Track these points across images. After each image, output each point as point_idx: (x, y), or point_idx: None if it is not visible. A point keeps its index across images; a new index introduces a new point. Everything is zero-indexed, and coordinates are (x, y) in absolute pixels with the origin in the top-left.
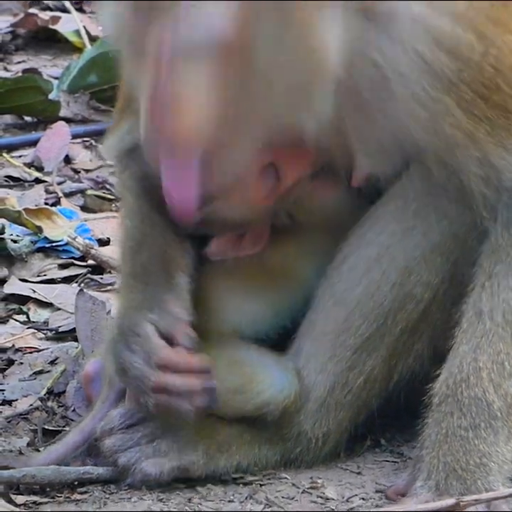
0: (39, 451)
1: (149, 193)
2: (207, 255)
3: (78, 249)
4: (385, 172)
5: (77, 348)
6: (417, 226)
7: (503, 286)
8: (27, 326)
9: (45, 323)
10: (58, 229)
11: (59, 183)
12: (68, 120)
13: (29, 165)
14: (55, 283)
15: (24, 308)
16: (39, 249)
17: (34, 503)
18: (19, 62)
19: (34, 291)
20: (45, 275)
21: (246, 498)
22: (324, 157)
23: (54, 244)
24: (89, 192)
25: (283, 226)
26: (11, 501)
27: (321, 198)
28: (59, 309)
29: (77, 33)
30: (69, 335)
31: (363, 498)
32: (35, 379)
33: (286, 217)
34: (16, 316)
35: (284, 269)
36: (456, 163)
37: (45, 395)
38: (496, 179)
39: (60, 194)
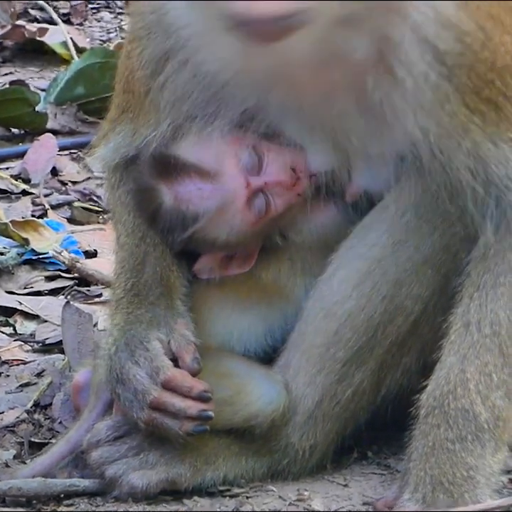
0: (25, 463)
1: (144, 210)
2: (194, 273)
3: (64, 263)
4: (379, 188)
5: (63, 360)
6: (408, 239)
7: (491, 296)
8: (13, 338)
9: (32, 335)
10: (45, 241)
11: (46, 195)
12: (55, 132)
13: (16, 177)
14: (42, 295)
15: (11, 321)
16: (26, 262)
17: None
18: (6, 74)
19: (20, 303)
20: (31, 287)
21: (233, 510)
22: (317, 181)
23: (41, 256)
24: (76, 204)
25: (276, 244)
26: None
27: (313, 219)
28: (45, 321)
29: (65, 44)
30: (55, 347)
31: (350, 511)
32: (21, 391)
33: (279, 237)
34: (2, 328)
35: (276, 286)
36: (447, 153)
37: (31, 407)
38: (483, 172)
39: (47, 206)
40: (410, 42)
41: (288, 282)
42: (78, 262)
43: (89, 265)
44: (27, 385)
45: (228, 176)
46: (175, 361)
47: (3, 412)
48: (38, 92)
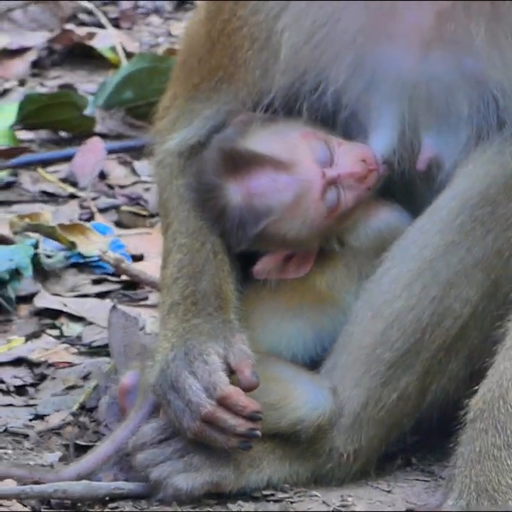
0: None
1: (208, 210)
2: (253, 273)
3: (109, 262)
4: (451, 154)
5: (109, 363)
6: (461, 241)
7: None
8: (60, 341)
9: (79, 338)
10: (92, 244)
11: (93, 199)
12: (103, 136)
13: (64, 180)
14: (88, 297)
15: (57, 323)
16: (72, 265)
17: None
18: (55, 78)
19: (65, 306)
20: (78, 290)
21: None
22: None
23: (87, 259)
24: (123, 208)
25: (334, 251)
26: None
27: (371, 223)
28: (91, 324)
29: (113, 49)
30: (102, 350)
31: None
32: (67, 394)
33: (336, 243)
34: (49, 331)
35: (329, 293)
36: None
37: (77, 410)
38: None
39: (94, 210)
40: None
41: (342, 289)
42: (123, 262)
43: (135, 266)
44: (73, 387)
45: (304, 166)
46: (230, 375)
47: (49, 415)
48: (86, 96)
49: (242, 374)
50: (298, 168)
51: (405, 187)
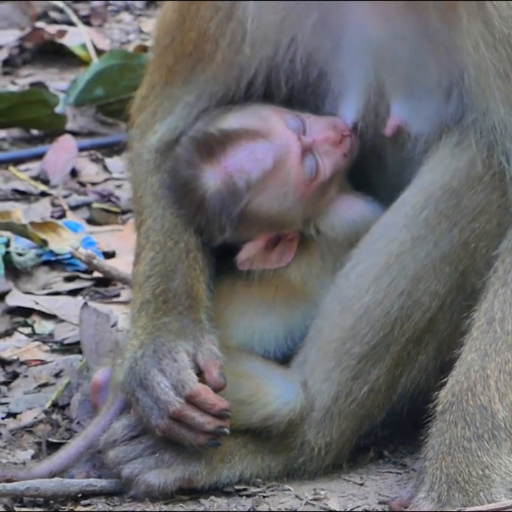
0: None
1: (185, 206)
2: (236, 263)
3: (80, 259)
4: (421, 124)
5: (81, 360)
6: (427, 235)
7: None
8: (32, 339)
9: (50, 335)
10: (63, 242)
11: (65, 197)
12: (75, 133)
13: (35, 178)
14: (60, 295)
15: (29, 321)
16: (44, 263)
17: None
18: (26, 76)
19: (37, 303)
20: (50, 288)
21: (249, 510)
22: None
23: (59, 257)
24: (95, 205)
25: (309, 242)
26: None
27: (344, 213)
28: (63, 321)
29: (84, 46)
30: (74, 347)
31: (366, 510)
32: (39, 392)
33: (314, 230)
34: (20, 329)
35: (304, 288)
36: (492, 106)
37: (49, 407)
38: None
39: (66, 207)
40: None
41: (316, 283)
42: (95, 258)
43: (107, 263)
44: (45, 385)
45: (279, 132)
46: (199, 375)
47: (21, 413)
48: (58, 93)
49: (209, 374)
50: (274, 134)
51: (376, 154)
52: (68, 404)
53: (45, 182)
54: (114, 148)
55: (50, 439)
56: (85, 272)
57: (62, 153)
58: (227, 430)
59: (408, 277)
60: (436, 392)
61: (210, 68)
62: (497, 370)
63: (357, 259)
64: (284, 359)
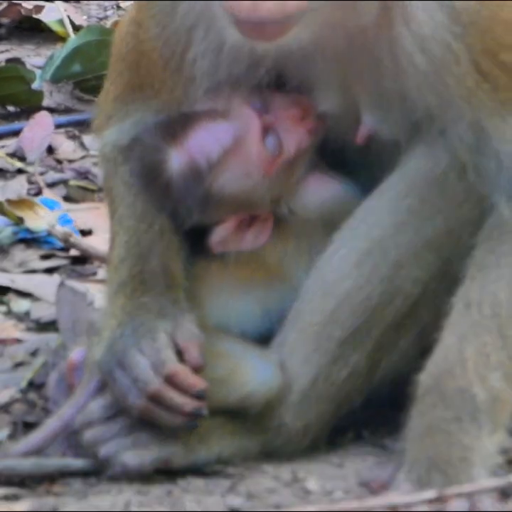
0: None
1: (153, 189)
2: (209, 246)
3: (57, 237)
4: (389, 132)
5: (58, 339)
6: (410, 222)
7: (493, 277)
8: (8, 318)
9: (26, 314)
10: (40, 220)
11: (41, 174)
12: (51, 110)
13: (12, 155)
14: (36, 273)
15: (5, 300)
16: (20, 241)
17: (14, 495)
18: (2, 52)
19: (13, 282)
20: (26, 266)
21: (227, 490)
22: (327, 120)
23: (35, 235)
24: (71, 182)
25: (284, 222)
26: None
27: (318, 193)
28: (40, 300)
29: (61, 22)
30: (50, 326)
31: (345, 491)
32: (15, 371)
33: (287, 209)
34: None
35: (280, 268)
36: (449, 122)
37: (25, 387)
38: (484, 147)
39: (43, 184)
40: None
41: (292, 263)
42: (71, 236)
43: (84, 241)
44: (21, 364)
45: (239, 111)
46: (177, 355)
47: None
48: (34, 69)
49: (189, 354)
50: (233, 112)
51: (351, 152)
52: (44, 384)
53: (22, 159)
54: (91, 125)
55: (26, 419)
56: (62, 249)
57: (39, 130)
58: (205, 411)
59: (390, 263)
60: (417, 376)
61: (159, 97)
62: (475, 353)
63: (339, 243)
64: (262, 340)
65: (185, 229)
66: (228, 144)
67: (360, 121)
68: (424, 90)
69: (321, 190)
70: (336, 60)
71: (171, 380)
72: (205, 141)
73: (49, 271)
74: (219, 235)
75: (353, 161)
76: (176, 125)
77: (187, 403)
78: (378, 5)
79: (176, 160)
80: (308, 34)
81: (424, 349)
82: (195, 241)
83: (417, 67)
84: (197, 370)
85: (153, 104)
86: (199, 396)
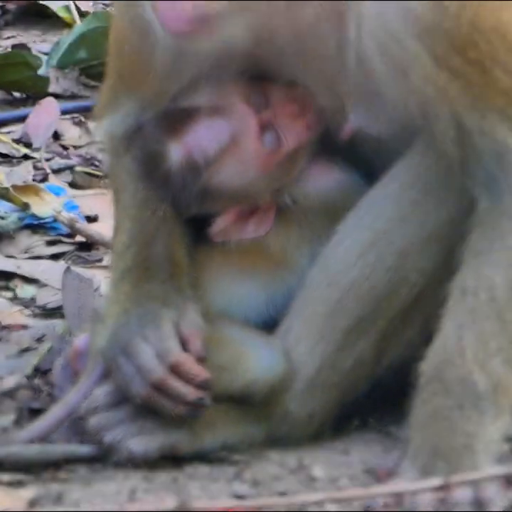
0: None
1: (154, 178)
2: (211, 236)
3: (63, 223)
4: (377, 129)
5: (64, 325)
6: (414, 214)
7: (487, 263)
8: (14, 303)
9: (32, 300)
10: (46, 206)
11: (47, 160)
12: (57, 96)
13: (17, 141)
14: (42, 259)
15: (11, 285)
16: (26, 226)
17: (19, 481)
18: (8, 38)
19: (19, 267)
20: (32, 252)
21: (232, 477)
22: (320, 115)
23: (41, 221)
24: (77, 168)
25: (286, 210)
26: None
27: (319, 182)
28: (46, 286)
29: (67, 8)
30: (56, 312)
31: (351, 478)
32: (21, 357)
33: (289, 199)
34: (2, 293)
35: (283, 255)
36: (429, 121)
37: (31, 372)
38: (466, 142)
39: (48, 170)
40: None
41: (295, 251)
42: (77, 222)
43: (90, 227)
44: (27, 350)
45: (237, 108)
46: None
47: (2, 378)
48: (40, 55)
49: (192, 345)
50: (231, 109)
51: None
52: (50, 370)
53: (28, 145)
54: None
55: (32, 405)
56: (68, 235)
57: (45, 116)
58: (208, 402)
59: (395, 254)
60: (420, 364)
61: (143, 89)
62: (474, 340)
63: (343, 234)
64: (266, 327)
65: (187, 217)
66: (225, 141)
67: (346, 117)
68: (393, 90)
69: (323, 179)
70: (303, 61)
71: (175, 369)
72: (202, 137)
73: (55, 257)
74: (219, 226)
75: (352, 151)
76: (176, 119)
77: (190, 393)
78: (323, 7)
79: (175, 154)
80: (245, 33)
81: (429, 337)
82: (198, 228)
83: (379, 69)
84: (199, 361)
85: (139, 96)
86: (202, 386)
